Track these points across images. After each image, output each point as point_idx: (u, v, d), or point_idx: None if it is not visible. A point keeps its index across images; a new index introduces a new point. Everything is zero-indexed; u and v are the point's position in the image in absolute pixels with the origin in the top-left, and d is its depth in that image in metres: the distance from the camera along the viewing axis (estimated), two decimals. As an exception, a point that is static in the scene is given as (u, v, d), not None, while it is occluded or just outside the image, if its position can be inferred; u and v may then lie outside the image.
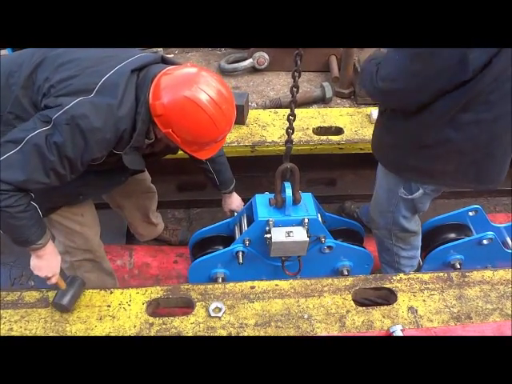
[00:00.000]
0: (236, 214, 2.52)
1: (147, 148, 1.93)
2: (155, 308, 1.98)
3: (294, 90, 1.97)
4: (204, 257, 2.36)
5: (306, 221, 2.18)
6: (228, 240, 2.43)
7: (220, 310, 1.90)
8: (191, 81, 1.68)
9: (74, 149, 1.63)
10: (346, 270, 2.41)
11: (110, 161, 1.80)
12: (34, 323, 1.85)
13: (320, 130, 2.90)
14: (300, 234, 2.16)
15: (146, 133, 1.79)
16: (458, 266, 2.48)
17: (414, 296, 1.96)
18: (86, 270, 2.28)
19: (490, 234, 2.43)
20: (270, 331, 1.83)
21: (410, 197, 2.12)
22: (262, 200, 2.28)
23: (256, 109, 3.34)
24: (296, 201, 2.18)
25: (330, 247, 2.32)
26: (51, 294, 1.93)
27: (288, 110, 2.05)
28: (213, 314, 1.88)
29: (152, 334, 1.82)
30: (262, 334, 1.82)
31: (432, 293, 1.98)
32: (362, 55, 3.63)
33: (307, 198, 2.28)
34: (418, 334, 1.83)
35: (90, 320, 1.87)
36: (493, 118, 1.77)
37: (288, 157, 2.14)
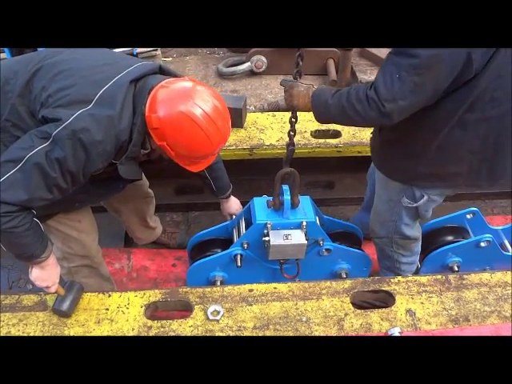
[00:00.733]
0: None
1: (143, 156, 1.94)
2: (153, 311, 1.98)
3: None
4: (202, 260, 2.36)
5: (304, 224, 2.18)
6: (226, 243, 2.43)
7: (218, 313, 1.90)
8: (187, 96, 1.68)
9: (75, 163, 1.63)
10: (345, 272, 2.41)
11: (107, 170, 1.80)
12: (32, 326, 1.85)
13: (318, 133, 2.91)
14: (298, 237, 2.17)
15: (141, 143, 1.80)
16: (456, 269, 2.48)
17: (412, 298, 1.97)
18: (83, 275, 2.27)
19: (488, 236, 2.43)
20: (269, 334, 1.83)
21: (414, 205, 2.11)
22: (260, 203, 2.28)
23: (254, 112, 3.34)
24: (294, 205, 2.19)
25: (328, 250, 2.32)
26: (49, 298, 1.93)
27: (286, 113, 2.07)
28: (211, 317, 1.88)
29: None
30: (261, 336, 1.82)
31: (430, 295, 1.98)
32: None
33: (305, 201, 2.28)
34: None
35: (88, 323, 1.87)
36: (499, 114, 1.78)
37: (289, 161, 2.14)
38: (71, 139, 1.59)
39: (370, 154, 2.27)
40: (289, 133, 2.08)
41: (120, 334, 1.83)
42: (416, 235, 2.35)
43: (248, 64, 3.90)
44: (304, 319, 1.89)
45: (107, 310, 1.92)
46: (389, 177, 2.14)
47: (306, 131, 2.89)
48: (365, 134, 2.85)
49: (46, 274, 1.86)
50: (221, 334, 1.83)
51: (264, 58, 3.88)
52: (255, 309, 1.93)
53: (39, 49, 3.36)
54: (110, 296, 1.98)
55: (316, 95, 1.88)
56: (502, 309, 1.93)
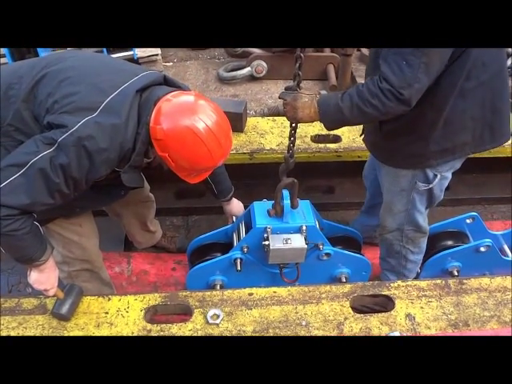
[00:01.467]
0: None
1: (144, 163, 1.95)
2: (153, 315, 1.98)
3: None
4: (202, 264, 2.36)
5: (304, 228, 2.18)
6: (226, 247, 2.43)
7: (218, 316, 1.90)
8: (192, 110, 1.71)
9: (79, 169, 1.64)
10: (344, 277, 2.41)
11: (109, 177, 1.81)
12: (32, 330, 1.85)
13: (318, 138, 2.91)
14: (298, 241, 2.17)
15: (144, 153, 1.81)
16: (456, 273, 2.49)
17: (412, 303, 1.97)
18: (83, 279, 2.27)
19: (488, 241, 2.44)
20: (268, 338, 1.83)
21: (429, 186, 2.13)
22: (260, 207, 2.28)
23: (254, 116, 3.35)
24: (294, 207, 2.19)
25: (327, 254, 2.32)
26: (49, 301, 1.93)
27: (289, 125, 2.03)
28: (211, 321, 1.88)
29: (150, 340, 1.82)
30: (260, 340, 1.82)
31: (430, 300, 1.98)
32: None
33: (305, 206, 2.29)
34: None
35: (87, 327, 1.87)
36: (490, 77, 1.86)
37: (286, 172, 2.12)
38: (76, 146, 1.60)
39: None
40: (289, 146, 2.06)
41: (119, 337, 1.83)
42: (426, 227, 2.36)
43: (248, 69, 3.92)
44: (304, 323, 1.89)
45: (107, 313, 1.92)
46: (399, 167, 2.15)
47: (306, 136, 2.90)
48: (365, 139, 2.86)
49: (45, 277, 1.86)
50: (220, 338, 1.83)
51: (264, 63, 3.90)
52: (255, 313, 1.93)
53: (42, 54, 3.40)
54: (109, 299, 1.98)
55: (323, 103, 1.86)
56: (501, 314, 1.93)
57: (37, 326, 1.86)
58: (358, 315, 1.93)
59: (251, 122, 3.02)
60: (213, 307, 1.94)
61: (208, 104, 1.77)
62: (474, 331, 1.86)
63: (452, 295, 2.00)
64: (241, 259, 2.27)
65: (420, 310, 1.94)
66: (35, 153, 1.60)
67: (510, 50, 3.90)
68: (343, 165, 3.00)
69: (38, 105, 1.70)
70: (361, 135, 2.40)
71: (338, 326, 1.88)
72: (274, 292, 2.02)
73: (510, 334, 1.85)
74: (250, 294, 2.00)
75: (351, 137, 2.90)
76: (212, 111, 1.74)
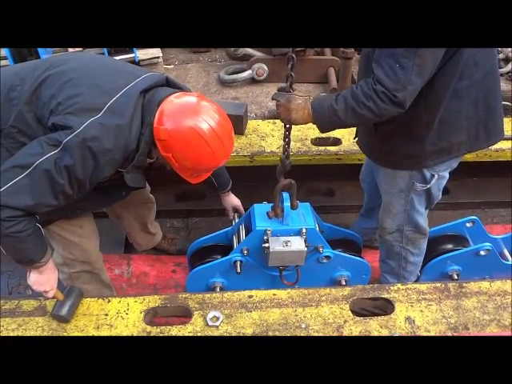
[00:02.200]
0: (238, 211, 2.56)
1: (146, 164, 1.96)
2: (153, 317, 1.98)
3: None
4: (202, 266, 2.36)
5: (304, 230, 2.18)
6: (226, 249, 2.43)
7: (218, 319, 1.90)
8: (195, 111, 1.73)
9: (83, 170, 1.65)
10: (344, 279, 2.41)
11: (111, 178, 1.81)
12: (32, 332, 1.85)
13: (318, 141, 2.92)
14: (298, 244, 2.17)
15: (147, 153, 1.83)
16: (456, 277, 2.48)
17: (412, 306, 1.97)
18: (83, 281, 2.27)
19: (488, 245, 2.44)
20: (268, 341, 1.83)
21: (427, 186, 2.13)
22: (260, 209, 2.28)
23: (255, 119, 3.36)
24: (293, 207, 2.19)
25: (327, 257, 2.32)
26: (49, 303, 1.94)
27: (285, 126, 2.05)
28: (210, 323, 1.88)
29: (149, 342, 1.81)
30: (260, 343, 1.82)
31: (429, 303, 1.98)
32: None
33: (305, 208, 2.29)
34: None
35: (87, 329, 1.87)
36: (482, 76, 1.88)
37: (283, 172, 2.12)
38: (81, 147, 1.61)
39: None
40: (284, 147, 2.07)
41: (119, 339, 1.83)
42: (426, 228, 2.36)
43: (249, 72, 3.92)
44: (303, 326, 1.89)
45: (106, 315, 1.92)
46: (396, 168, 2.15)
47: (306, 138, 2.90)
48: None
49: (44, 279, 1.86)
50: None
51: (265, 66, 3.91)
52: (254, 315, 1.93)
53: (43, 56, 3.40)
54: (109, 301, 1.98)
55: (317, 105, 1.87)
56: (501, 317, 1.92)
57: (36, 328, 1.86)
58: (358, 318, 1.92)
59: (252, 124, 3.03)
60: (212, 309, 1.94)
61: (211, 105, 1.78)
62: (473, 335, 1.86)
63: (452, 299, 2.00)
64: (241, 261, 2.28)
65: (420, 314, 1.94)
66: (40, 154, 1.61)
67: (510, 54, 3.91)
68: (343, 168, 3.00)
69: (41, 107, 1.70)
70: (354, 138, 2.40)
71: (338, 329, 1.88)
72: (274, 294, 2.02)
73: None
74: (250, 297, 2.00)
75: (351, 140, 2.90)
76: (215, 112, 1.76)
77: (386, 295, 2.01)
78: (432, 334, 1.86)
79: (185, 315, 1.98)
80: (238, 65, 4.10)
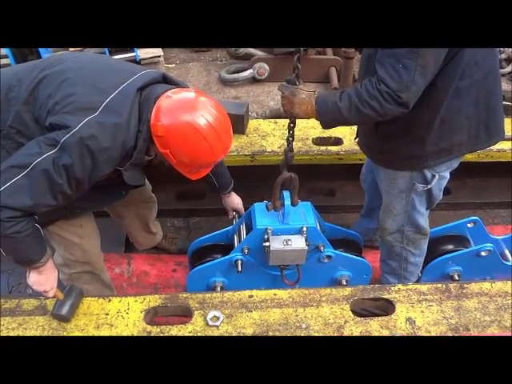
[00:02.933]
0: (238, 212, 2.55)
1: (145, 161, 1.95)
2: (153, 316, 1.98)
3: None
4: (203, 265, 2.36)
5: (305, 229, 2.18)
6: (227, 249, 2.43)
7: (218, 318, 1.89)
8: (192, 106, 1.72)
9: (82, 170, 1.65)
10: (345, 280, 2.41)
11: (110, 176, 1.81)
12: (32, 331, 1.85)
13: (320, 141, 2.91)
14: (298, 243, 2.17)
15: (145, 150, 1.82)
16: (457, 278, 2.48)
17: (412, 307, 1.96)
18: (84, 281, 2.27)
19: (489, 245, 2.43)
20: (268, 341, 1.83)
21: (428, 187, 2.13)
22: (260, 208, 2.28)
23: (256, 119, 3.36)
24: (294, 203, 2.18)
25: (328, 257, 2.32)
26: (49, 302, 1.93)
27: (288, 121, 2.05)
28: (211, 323, 1.87)
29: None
30: (260, 343, 1.82)
31: (430, 304, 1.98)
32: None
33: (306, 207, 2.29)
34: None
35: (87, 328, 1.87)
36: (483, 75, 1.88)
37: (286, 166, 2.13)
38: (79, 146, 1.61)
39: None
40: (287, 139, 2.09)
41: (119, 338, 1.82)
42: (427, 228, 2.35)
43: (250, 71, 3.92)
44: (304, 326, 1.89)
45: (107, 314, 1.92)
46: (397, 169, 2.15)
47: (307, 138, 2.90)
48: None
49: (44, 279, 1.86)
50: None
51: (266, 66, 3.90)
52: (255, 315, 1.93)
53: (44, 55, 3.40)
54: (109, 301, 1.98)
55: (321, 101, 1.88)
56: (502, 318, 1.92)
57: (37, 327, 1.86)
58: (359, 319, 1.92)
59: (253, 124, 3.02)
60: (213, 309, 1.93)
61: (208, 100, 1.77)
62: (474, 336, 1.86)
63: (453, 299, 2.00)
64: (241, 261, 2.27)
65: (420, 314, 1.93)
66: (38, 154, 1.61)
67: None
68: (344, 167, 3.00)
69: (38, 107, 1.70)
70: (355, 138, 2.40)
71: (338, 330, 1.87)
72: (275, 294, 2.01)
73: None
74: (251, 296, 2.00)
75: (353, 139, 2.89)
76: (212, 107, 1.74)
77: (386, 296, 2.01)
78: (433, 334, 1.86)
79: (185, 315, 1.98)
80: (239, 64, 4.10)
